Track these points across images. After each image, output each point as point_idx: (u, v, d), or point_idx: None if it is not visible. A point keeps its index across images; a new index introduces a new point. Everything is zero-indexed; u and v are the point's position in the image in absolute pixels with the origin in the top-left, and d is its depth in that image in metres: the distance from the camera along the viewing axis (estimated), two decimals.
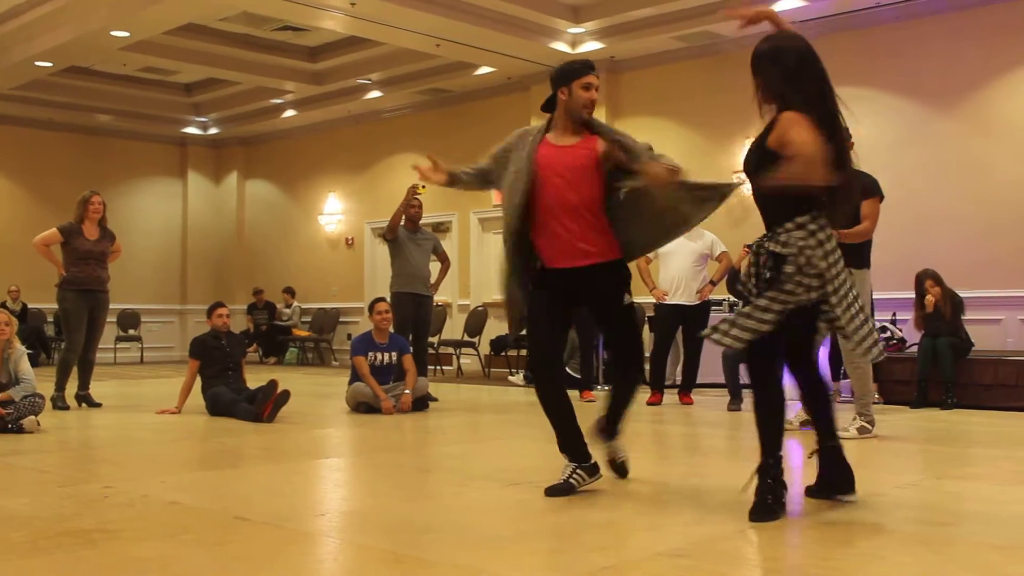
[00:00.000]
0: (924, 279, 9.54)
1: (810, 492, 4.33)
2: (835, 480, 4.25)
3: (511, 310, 4.78)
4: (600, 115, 13.54)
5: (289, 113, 17.76)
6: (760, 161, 3.98)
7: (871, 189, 6.75)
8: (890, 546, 3.59)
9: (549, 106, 4.70)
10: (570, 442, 4.62)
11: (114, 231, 9.46)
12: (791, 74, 3.98)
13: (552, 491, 4.48)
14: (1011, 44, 10.59)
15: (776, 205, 3.99)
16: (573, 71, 4.64)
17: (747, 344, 3.93)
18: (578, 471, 4.55)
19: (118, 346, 17.65)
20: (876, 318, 9.90)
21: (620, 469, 4.90)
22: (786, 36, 4.09)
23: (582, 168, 4.57)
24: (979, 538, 3.72)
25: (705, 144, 12.30)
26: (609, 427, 4.82)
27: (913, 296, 9.66)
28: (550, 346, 4.68)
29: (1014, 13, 10.57)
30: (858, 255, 6.65)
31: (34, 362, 8.59)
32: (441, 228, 15.71)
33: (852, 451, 5.92)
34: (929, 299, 9.48)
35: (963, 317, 9.64)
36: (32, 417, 7.11)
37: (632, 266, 4.80)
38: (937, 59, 11.03)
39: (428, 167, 4.73)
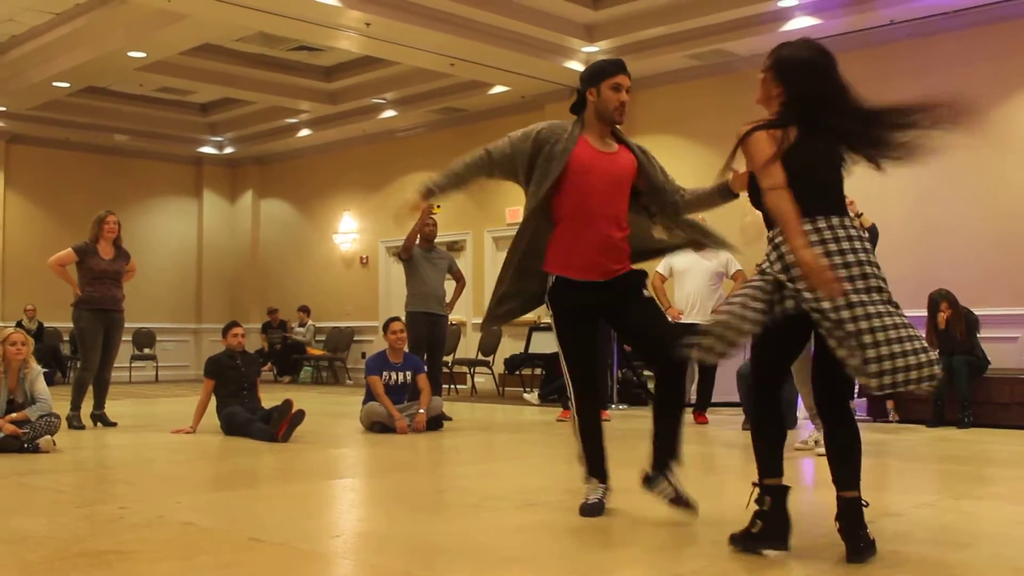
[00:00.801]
0: (939, 300, 9.51)
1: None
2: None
3: (501, 305, 4.62)
4: None
5: (304, 132, 17.83)
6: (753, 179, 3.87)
7: None
8: (907, 569, 3.56)
9: (578, 108, 4.53)
10: (600, 465, 4.56)
11: (130, 250, 9.50)
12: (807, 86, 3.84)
13: (588, 510, 4.43)
14: None
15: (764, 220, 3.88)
16: (601, 71, 4.47)
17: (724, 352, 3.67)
18: (607, 492, 4.53)
19: (133, 365, 17.69)
20: None
21: (685, 503, 4.33)
22: (796, 43, 3.94)
23: (622, 179, 4.45)
24: (999, 560, 3.69)
25: (719, 162, 12.20)
26: (661, 460, 4.42)
27: (926, 314, 9.63)
28: (592, 373, 4.58)
29: None
30: None
31: (50, 381, 8.62)
32: (456, 247, 15.73)
33: (867, 471, 5.89)
34: (941, 316, 9.45)
35: (978, 335, 9.60)
36: (48, 437, 7.13)
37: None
38: (951, 76, 10.99)
39: (411, 207, 4.88)
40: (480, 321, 15.30)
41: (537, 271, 4.51)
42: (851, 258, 3.58)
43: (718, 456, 7.54)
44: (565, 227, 4.42)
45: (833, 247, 3.59)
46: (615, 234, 4.42)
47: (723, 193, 4.37)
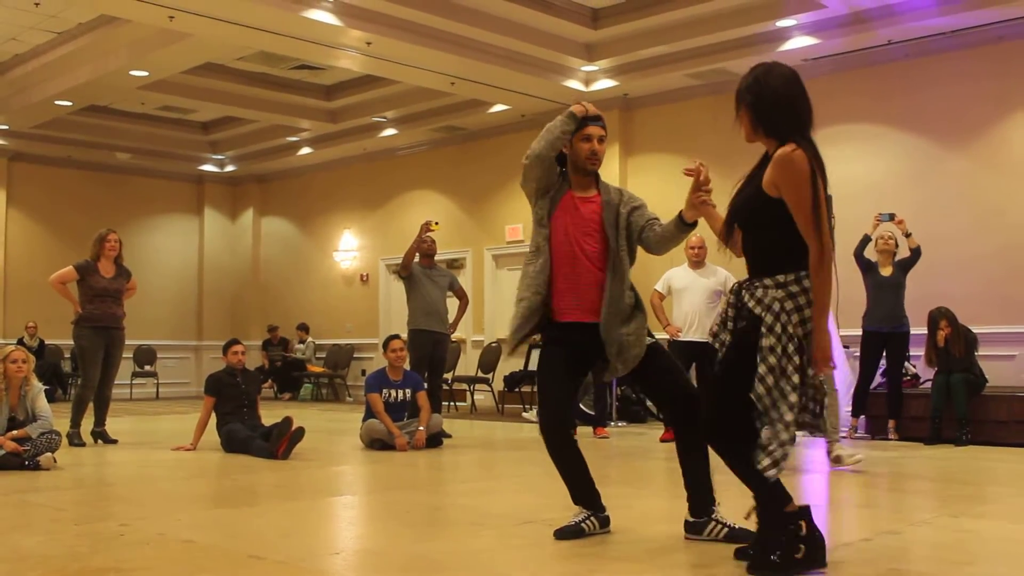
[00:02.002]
0: (939, 318, 9.53)
1: (739, 554, 3.95)
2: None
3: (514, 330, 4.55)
4: (613, 154, 13.76)
5: (305, 151, 17.87)
6: (754, 205, 3.77)
7: None
8: None
9: (562, 160, 4.63)
10: (584, 493, 4.51)
11: (131, 267, 9.52)
12: (780, 100, 3.71)
13: (561, 534, 4.41)
14: (1022, 82, 10.59)
15: (760, 255, 3.80)
16: None
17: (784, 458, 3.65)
18: (591, 519, 4.46)
19: (134, 382, 17.68)
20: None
21: (742, 534, 4.17)
22: (770, 64, 3.83)
23: (593, 223, 4.48)
24: None
25: (717, 180, 12.22)
26: (701, 504, 4.36)
27: (926, 333, 9.65)
28: (562, 405, 4.51)
29: None
30: None
31: (51, 398, 8.62)
32: (455, 264, 15.73)
33: (865, 489, 5.90)
34: (941, 334, 9.48)
35: (977, 353, 9.61)
36: (48, 454, 7.13)
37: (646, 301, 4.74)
38: (949, 97, 11.04)
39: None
40: (479, 339, 15.38)
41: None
42: (808, 312, 3.67)
43: (716, 472, 7.51)
44: (557, 271, 4.48)
45: (803, 300, 3.67)
46: (597, 275, 4.43)
47: (680, 227, 4.32)
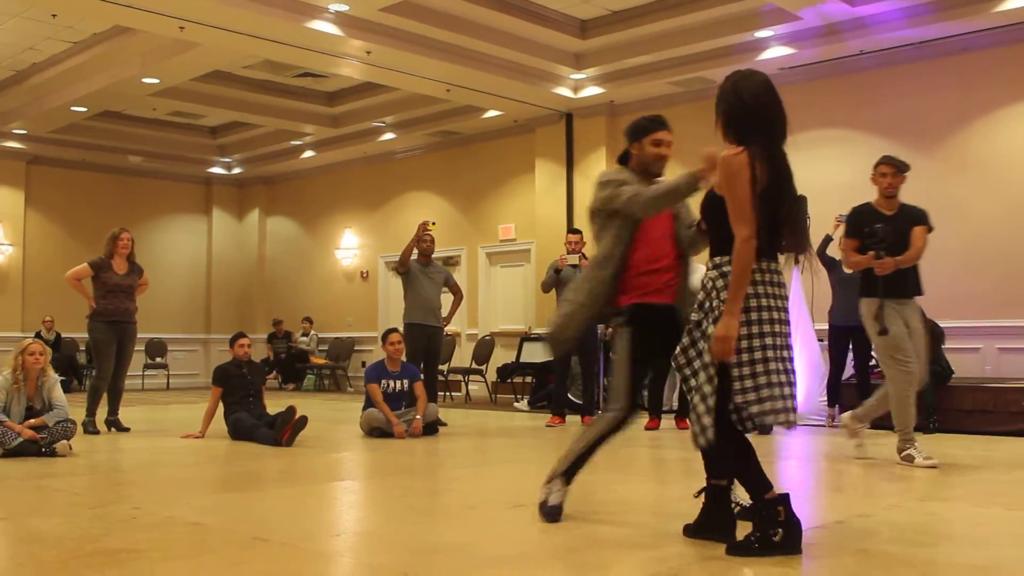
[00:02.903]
0: None
1: (687, 531, 4.04)
2: (715, 522, 3.97)
3: (566, 331, 4.46)
4: (600, 157, 13.77)
5: (308, 154, 17.83)
6: (707, 203, 3.93)
7: (921, 218, 6.89)
8: (875, 566, 3.56)
9: (624, 159, 4.64)
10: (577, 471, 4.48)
11: (143, 265, 9.49)
12: (748, 109, 3.76)
13: (550, 514, 4.36)
14: (986, 89, 10.63)
15: (711, 246, 3.92)
16: (644, 128, 4.61)
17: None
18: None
19: (146, 373, 17.64)
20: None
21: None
22: (745, 72, 3.87)
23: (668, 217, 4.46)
24: (959, 558, 3.70)
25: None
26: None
27: None
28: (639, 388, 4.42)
29: (988, 60, 10.62)
30: (905, 284, 6.61)
31: (66, 389, 8.58)
32: (451, 262, 15.73)
33: (839, 475, 5.91)
34: None
35: (943, 346, 9.62)
36: (64, 441, 7.12)
37: None
38: (917, 103, 11.07)
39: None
40: (473, 332, 15.38)
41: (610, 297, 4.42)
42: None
43: (699, 460, 7.51)
44: (641, 257, 4.39)
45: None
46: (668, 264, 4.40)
47: (688, 180, 4.21)
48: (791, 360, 3.80)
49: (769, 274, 3.73)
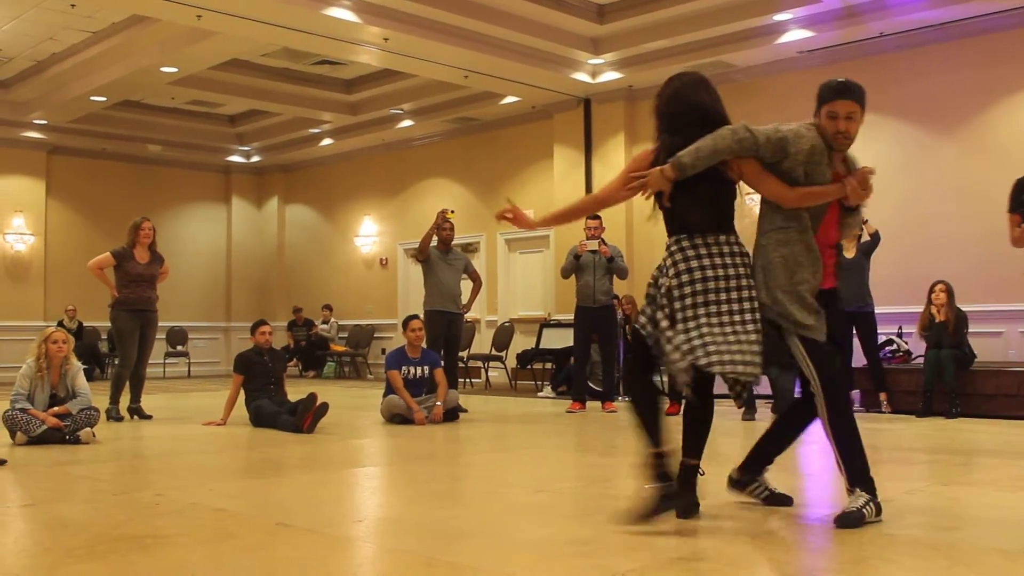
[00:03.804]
0: (935, 284, 9.52)
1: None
2: (679, 499, 4.00)
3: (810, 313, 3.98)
4: (618, 142, 13.73)
5: (326, 142, 17.85)
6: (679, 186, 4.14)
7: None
8: (899, 550, 3.55)
9: None
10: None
11: (163, 253, 9.54)
12: (662, 109, 4.27)
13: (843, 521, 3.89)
14: (1008, 71, 10.52)
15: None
16: (819, 96, 4.01)
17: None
18: (871, 503, 3.98)
19: (167, 361, 17.74)
20: (884, 331, 9.84)
21: (782, 498, 4.30)
22: (674, 77, 4.36)
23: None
24: (984, 543, 3.68)
25: None
26: (752, 466, 4.35)
27: (918, 310, 9.62)
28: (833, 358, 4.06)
29: (1010, 41, 10.51)
30: None
31: (89, 377, 8.66)
32: (470, 248, 15.71)
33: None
34: (937, 299, 9.43)
35: (967, 331, 9.56)
36: (88, 429, 7.17)
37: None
38: (938, 85, 10.98)
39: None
40: (493, 318, 15.38)
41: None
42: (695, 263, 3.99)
43: (719, 445, 7.48)
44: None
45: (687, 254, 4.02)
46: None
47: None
48: (749, 323, 3.94)
49: (717, 246, 4.00)
